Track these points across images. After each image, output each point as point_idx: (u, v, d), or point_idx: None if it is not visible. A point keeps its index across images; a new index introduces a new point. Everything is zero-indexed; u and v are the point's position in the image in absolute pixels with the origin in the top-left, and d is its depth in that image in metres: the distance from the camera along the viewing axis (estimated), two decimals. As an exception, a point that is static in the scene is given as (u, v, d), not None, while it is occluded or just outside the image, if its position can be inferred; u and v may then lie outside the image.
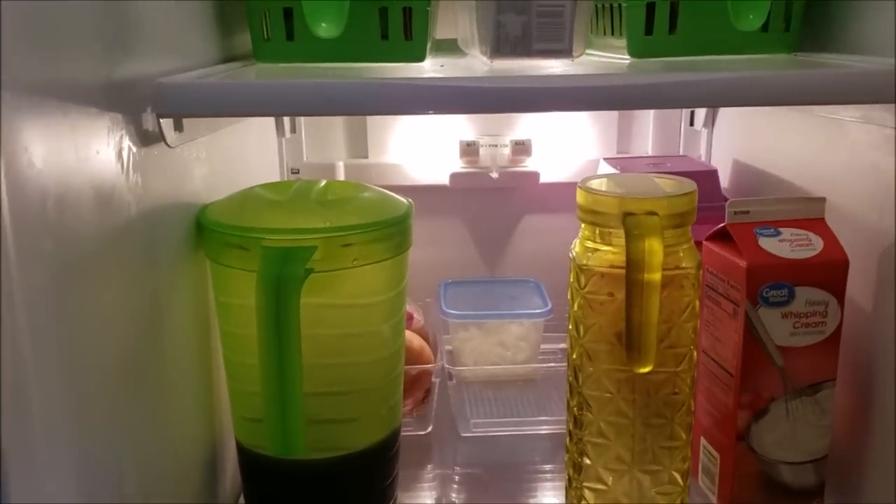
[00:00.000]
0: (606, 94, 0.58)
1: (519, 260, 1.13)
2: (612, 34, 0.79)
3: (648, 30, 0.74)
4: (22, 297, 0.37)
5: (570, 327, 0.68)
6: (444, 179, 1.08)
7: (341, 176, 1.08)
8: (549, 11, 0.71)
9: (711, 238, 0.72)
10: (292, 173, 1.08)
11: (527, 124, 1.09)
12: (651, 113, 1.10)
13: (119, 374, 0.50)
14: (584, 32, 0.72)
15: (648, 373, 0.64)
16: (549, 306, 0.98)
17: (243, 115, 0.65)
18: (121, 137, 0.50)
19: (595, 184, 0.67)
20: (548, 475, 0.83)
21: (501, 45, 0.72)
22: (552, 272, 1.08)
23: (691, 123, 1.08)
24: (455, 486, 0.81)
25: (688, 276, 0.64)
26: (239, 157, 0.83)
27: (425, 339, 0.95)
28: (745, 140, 0.97)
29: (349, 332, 0.65)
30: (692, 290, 0.64)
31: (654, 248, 0.60)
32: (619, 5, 0.76)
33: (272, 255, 0.58)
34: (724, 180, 0.98)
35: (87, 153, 0.45)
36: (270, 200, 0.65)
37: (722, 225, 0.70)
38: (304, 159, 1.08)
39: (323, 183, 0.68)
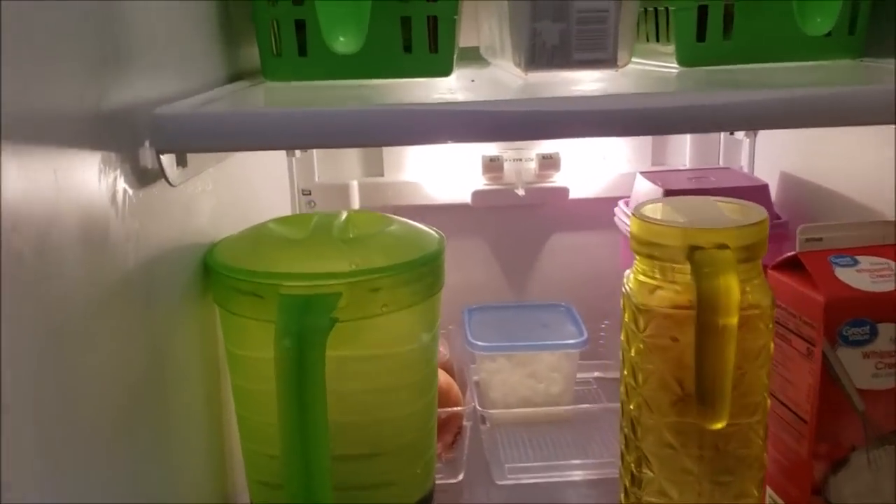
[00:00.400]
0: (673, 116, 0.50)
1: (548, 282, 1.06)
2: (658, 40, 0.72)
3: (700, 35, 0.67)
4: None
5: (626, 373, 0.61)
6: (465, 197, 1.01)
7: (356, 196, 1.01)
8: (591, 17, 0.63)
9: (779, 267, 0.64)
10: (303, 195, 1.00)
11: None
12: (688, 122, 1.03)
13: (116, 440, 0.42)
14: (630, 39, 0.64)
15: (717, 425, 0.56)
16: (585, 336, 0.91)
17: (255, 149, 0.58)
18: (114, 179, 0.42)
19: (651, 210, 0.59)
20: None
21: (537, 56, 0.64)
22: (584, 294, 1.01)
23: (731, 132, 1.00)
24: (491, 540, 0.74)
25: (762, 316, 0.56)
26: (247, 182, 0.75)
27: (450, 372, 0.88)
28: (795, 151, 0.90)
29: (379, 385, 0.57)
30: (766, 331, 0.57)
31: (729, 286, 0.52)
32: (666, 9, 0.69)
33: (292, 304, 0.51)
34: (772, 195, 0.90)
35: (74, 199, 0.38)
36: (287, 239, 0.58)
37: (792, 254, 0.62)
38: (316, 179, 1.01)
39: (344, 216, 0.60)
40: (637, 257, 0.59)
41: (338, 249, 0.56)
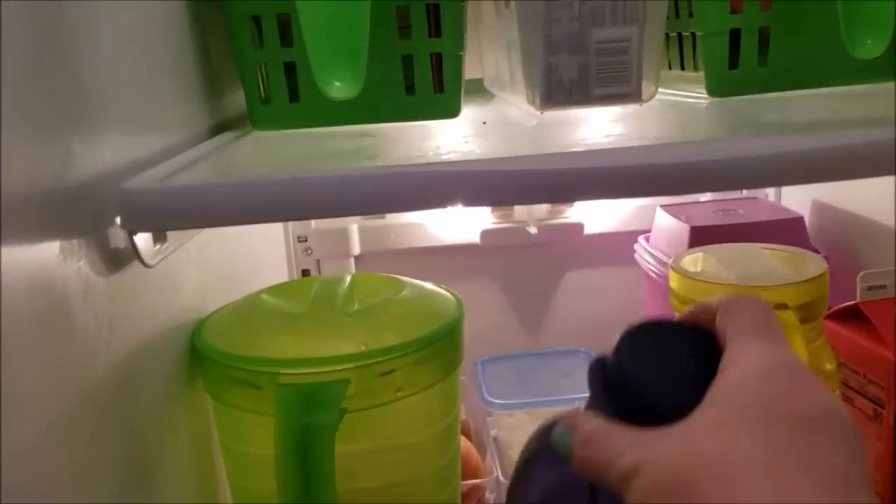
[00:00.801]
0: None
1: (565, 325, 0.99)
2: (682, 67, 0.66)
3: (733, 63, 0.60)
4: None
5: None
6: (473, 237, 0.94)
7: (356, 241, 0.94)
8: (612, 48, 0.57)
9: (835, 318, 0.57)
10: (299, 241, 0.93)
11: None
12: (708, 149, 0.96)
13: None
14: (656, 70, 0.58)
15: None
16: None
17: (244, 223, 0.51)
18: (77, 270, 0.35)
19: (691, 263, 0.53)
20: None
21: (554, 93, 0.58)
22: (604, 337, 0.93)
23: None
24: None
25: (828, 382, 0.50)
26: (237, 236, 0.68)
27: (465, 432, 0.81)
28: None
29: (393, 481, 0.50)
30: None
31: (796, 352, 0.45)
32: (693, 34, 0.63)
33: (292, 396, 0.44)
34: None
35: (23, 301, 0.31)
36: (284, 314, 0.51)
37: (852, 303, 0.56)
38: (312, 225, 0.94)
39: (347, 282, 0.54)
40: (677, 315, 0.52)
41: (343, 325, 0.49)
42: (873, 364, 0.53)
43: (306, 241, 0.94)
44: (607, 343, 0.93)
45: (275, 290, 0.55)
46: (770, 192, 0.92)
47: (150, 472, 0.43)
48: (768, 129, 0.51)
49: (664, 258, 0.78)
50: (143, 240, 0.41)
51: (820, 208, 0.83)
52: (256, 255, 0.78)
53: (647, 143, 0.47)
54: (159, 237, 0.43)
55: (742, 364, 0.30)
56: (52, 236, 0.34)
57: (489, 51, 0.73)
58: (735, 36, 0.59)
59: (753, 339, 0.31)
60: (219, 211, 0.38)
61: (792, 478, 0.25)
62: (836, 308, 0.57)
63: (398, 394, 0.47)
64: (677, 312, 0.53)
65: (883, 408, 0.53)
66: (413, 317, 0.51)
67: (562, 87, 0.58)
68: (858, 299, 0.55)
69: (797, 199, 0.87)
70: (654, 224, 0.85)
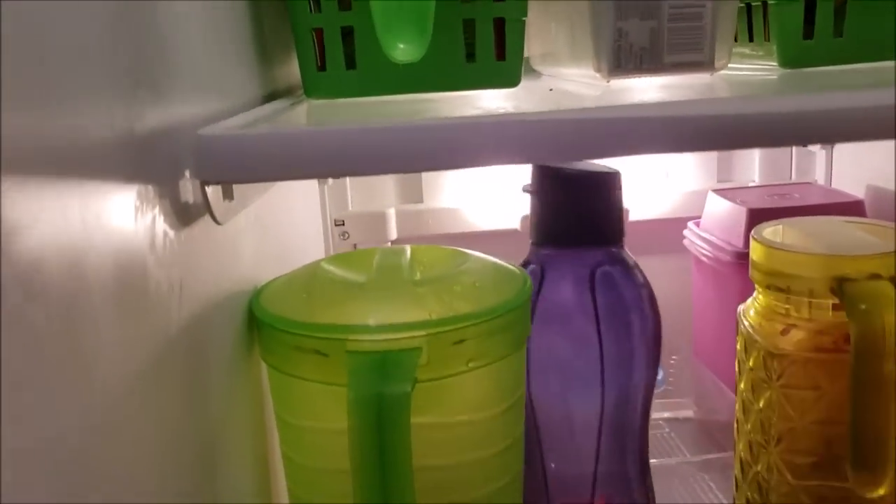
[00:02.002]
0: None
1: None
2: (751, 39, 0.63)
3: (808, 33, 0.58)
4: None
5: (749, 428, 0.51)
6: (513, 223, 0.91)
7: (392, 225, 0.92)
8: (686, 14, 0.55)
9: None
10: (336, 225, 0.91)
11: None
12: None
13: None
14: (729, 38, 0.56)
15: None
16: (661, 374, 0.81)
17: (327, 175, 0.49)
18: (152, 219, 0.33)
19: (772, 234, 0.50)
20: None
21: (623, 59, 0.56)
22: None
23: (805, 144, 0.91)
24: None
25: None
26: (285, 214, 0.66)
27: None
28: (882, 160, 0.80)
29: (461, 460, 0.48)
30: (924, 376, 0.48)
31: (891, 325, 0.43)
32: (764, 3, 0.60)
33: (365, 362, 0.41)
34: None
35: (104, 247, 0.29)
36: (349, 283, 0.48)
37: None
38: (349, 208, 0.92)
39: (409, 253, 0.51)
40: (760, 290, 0.50)
41: (411, 294, 0.47)
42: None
43: (343, 224, 0.91)
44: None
45: (334, 259, 0.53)
46: (820, 178, 0.90)
47: (216, 444, 0.41)
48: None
49: (719, 242, 0.76)
50: (213, 193, 0.39)
51: (876, 193, 0.80)
52: (301, 236, 0.76)
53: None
54: (227, 193, 0.41)
55: None
56: (131, 179, 0.31)
57: (541, 26, 0.70)
58: (809, 5, 0.57)
59: None
60: (299, 160, 0.36)
61: None
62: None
63: (469, 364, 0.44)
64: (761, 287, 0.50)
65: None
66: (482, 287, 0.49)
67: (631, 54, 0.56)
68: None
69: (849, 181, 0.85)
70: (705, 209, 0.82)
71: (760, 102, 0.40)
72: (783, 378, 0.48)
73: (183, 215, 0.37)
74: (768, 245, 0.48)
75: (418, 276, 0.49)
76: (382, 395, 0.40)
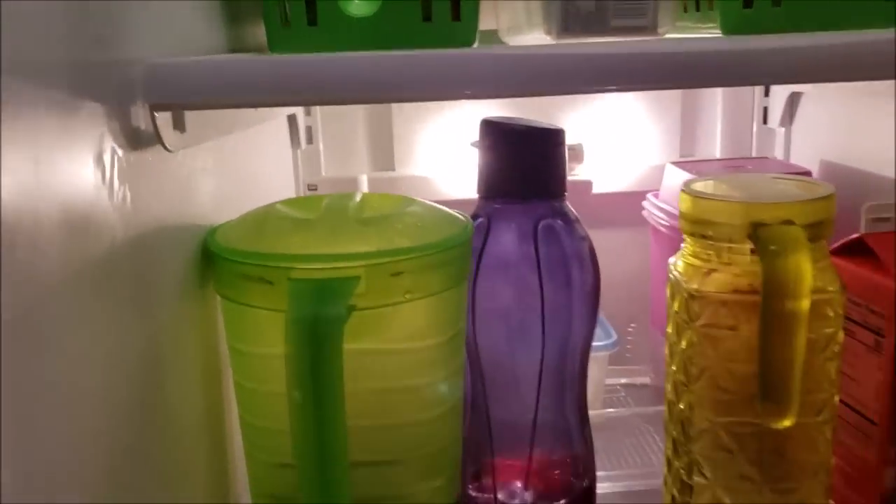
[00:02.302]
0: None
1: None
2: (697, 9, 0.66)
3: (747, 2, 0.61)
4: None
5: (674, 369, 0.55)
6: (481, 193, 0.94)
7: (364, 191, 0.95)
8: (630, -19, 0.58)
9: (839, 252, 0.58)
10: (309, 190, 0.94)
11: (576, 126, 0.95)
12: (718, 111, 0.97)
13: (103, 452, 0.36)
14: (672, 5, 0.59)
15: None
16: (614, 338, 0.85)
17: (268, 104, 0.52)
18: (101, 136, 0.36)
19: (702, 186, 0.53)
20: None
21: (571, 23, 0.59)
22: (608, 296, 0.94)
23: (764, 121, 0.95)
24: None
25: (829, 302, 0.51)
26: (250, 170, 0.69)
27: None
28: (836, 137, 0.84)
29: (400, 385, 0.51)
30: (835, 319, 0.51)
31: (799, 267, 0.46)
32: (708, -26, 0.63)
33: (304, 289, 0.44)
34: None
35: (52, 159, 0.32)
36: (297, 220, 0.52)
37: (856, 236, 0.56)
38: (323, 173, 0.95)
39: (359, 197, 0.54)
40: (687, 239, 0.53)
41: (354, 231, 0.50)
42: (875, 294, 0.54)
43: (316, 189, 0.94)
44: (610, 300, 0.94)
45: (288, 202, 0.56)
46: (780, 154, 0.93)
47: (162, 369, 0.44)
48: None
49: (675, 212, 0.79)
50: (163, 120, 0.42)
51: (828, 167, 0.84)
52: (273, 198, 0.79)
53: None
54: (178, 124, 0.44)
55: None
56: (81, 98, 0.34)
57: (506, 3, 0.73)
58: (750, -25, 0.60)
59: None
60: (241, 87, 0.39)
61: None
62: (840, 242, 0.58)
63: (406, 296, 0.47)
64: (688, 236, 0.53)
65: (883, 337, 0.54)
66: (424, 227, 0.52)
67: (579, 19, 0.59)
68: (862, 231, 0.56)
69: (806, 157, 0.88)
70: (663, 181, 0.85)
71: (709, 42, 0.46)
72: (702, 319, 0.51)
73: (133, 139, 0.40)
74: (694, 195, 0.51)
75: (365, 215, 0.52)
76: (318, 317, 0.43)
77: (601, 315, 0.91)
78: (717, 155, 0.98)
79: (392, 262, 0.47)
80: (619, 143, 0.97)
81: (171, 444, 0.46)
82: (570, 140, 0.94)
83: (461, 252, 0.51)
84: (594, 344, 0.84)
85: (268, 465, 0.52)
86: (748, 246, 0.49)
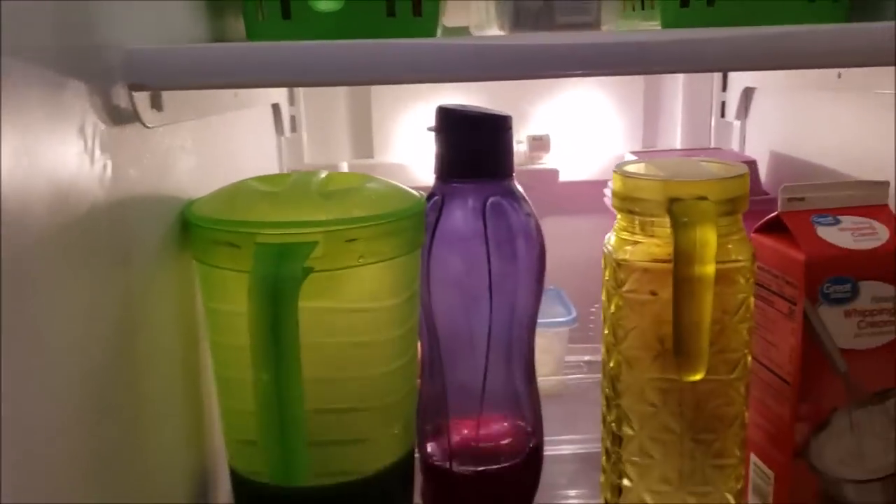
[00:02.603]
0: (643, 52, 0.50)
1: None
2: (643, 8, 0.72)
3: (684, 2, 0.67)
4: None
5: (606, 332, 0.60)
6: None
7: (345, 178, 1.01)
8: (574, -19, 0.64)
9: (761, 230, 0.64)
10: (292, 175, 1.00)
11: (544, 118, 1.01)
12: (679, 105, 1.03)
13: (84, 401, 0.42)
14: (615, 4, 0.65)
15: (698, 382, 0.56)
16: (574, 314, 0.90)
17: (236, 86, 0.58)
18: (84, 112, 0.42)
19: (633, 168, 0.59)
20: (574, 500, 0.75)
21: (521, 19, 0.65)
22: (574, 281, 1.00)
23: (722, 115, 1.00)
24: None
25: (741, 270, 0.56)
26: (231, 153, 0.75)
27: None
28: (784, 129, 0.89)
29: (355, 340, 0.57)
30: (746, 285, 0.57)
31: (706, 237, 0.52)
32: (650, -25, 0.69)
33: (267, 252, 0.50)
34: (762, 175, 0.90)
35: (39, 130, 0.37)
36: (264, 192, 0.57)
37: (774, 214, 0.62)
38: (305, 160, 1.01)
39: (324, 174, 0.60)
40: (618, 215, 0.59)
41: (315, 202, 0.55)
42: (788, 266, 0.60)
43: (299, 175, 1.00)
44: (574, 284, 0.99)
45: (258, 178, 0.61)
46: (735, 146, 0.98)
47: (139, 328, 0.50)
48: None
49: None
50: (142, 100, 0.48)
51: (776, 157, 0.89)
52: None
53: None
54: (156, 103, 0.50)
55: None
56: (65, 76, 0.40)
57: (475, 4, 0.79)
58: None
59: None
60: (214, 70, 0.45)
61: None
62: (762, 221, 0.64)
63: (360, 260, 0.53)
64: (618, 213, 0.59)
65: (795, 305, 0.59)
66: (379, 200, 0.58)
67: (529, 15, 0.65)
68: (780, 210, 0.61)
69: (759, 148, 0.93)
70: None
71: (654, 34, 0.52)
72: (627, 285, 0.57)
73: (114, 115, 0.46)
74: (623, 175, 0.57)
75: (326, 190, 0.58)
76: (278, 276, 0.49)
77: (562, 293, 0.97)
78: (678, 146, 1.03)
79: (347, 230, 0.53)
80: (586, 134, 1.02)
81: (149, 392, 0.51)
82: (537, 131, 1.01)
83: (412, 223, 0.57)
84: (555, 320, 0.90)
85: (237, 412, 0.58)
86: (667, 220, 0.54)
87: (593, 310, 1.01)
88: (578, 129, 1.02)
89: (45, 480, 0.37)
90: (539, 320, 0.89)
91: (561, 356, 0.91)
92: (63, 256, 0.40)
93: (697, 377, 0.54)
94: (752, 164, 0.84)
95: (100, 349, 0.44)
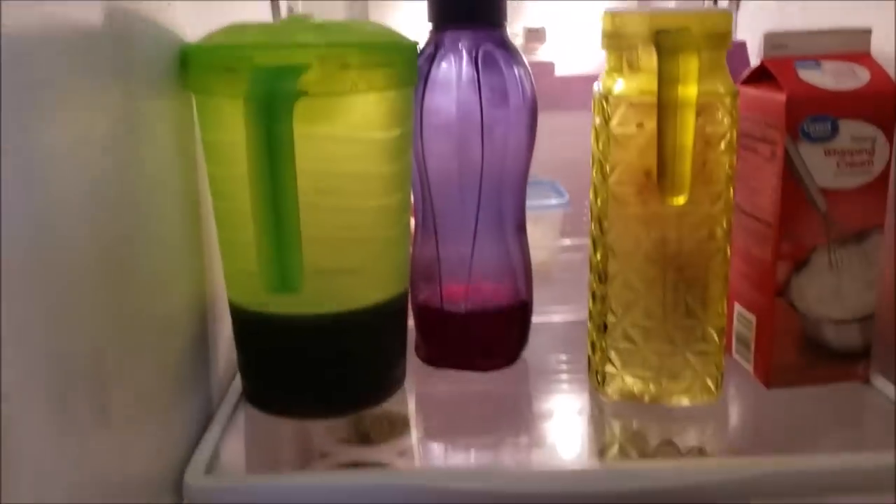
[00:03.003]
0: None
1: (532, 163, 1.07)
2: None
3: None
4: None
5: (594, 173, 0.62)
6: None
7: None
8: None
9: (747, 81, 0.65)
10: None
11: (540, 8, 1.02)
12: (675, -5, 1.04)
13: (84, 222, 0.43)
14: None
15: (681, 215, 0.58)
16: (566, 197, 0.92)
17: None
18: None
19: (621, 7, 0.61)
20: (564, 365, 0.77)
21: None
22: (570, 176, 1.01)
23: (715, 2, 1.01)
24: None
25: (723, 103, 0.58)
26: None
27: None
28: (778, 16, 0.91)
29: (348, 170, 0.58)
30: (728, 119, 0.58)
31: (688, 63, 0.54)
32: None
33: (262, 74, 0.52)
34: (754, 59, 0.91)
35: None
36: (262, 25, 0.59)
37: (758, 63, 0.64)
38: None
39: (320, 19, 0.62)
40: (607, 55, 0.61)
41: (311, 30, 0.57)
42: (771, 109, 0.61)
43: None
44: (570, 179, 1.00)
45: (255, 22, 0.63)
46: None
47: (142, 153, 0.51)
48: None
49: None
50: None
51: (770, 37, 0.90)
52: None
53: None
54: None
55: None
56: None
57: None
58: None
59: None
60: None
61: None
62: (746, 72, 0.65)
63: (353, 87, 0.55)
64: (605, 50, 0.61)
65: (777, 146, 0.61)
66: (374, 33, 0.60)
67: None
68: (763, 57, 0.63)
69: (751, 38, 0.94)
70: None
71: None
72: (614, 119, 0.59)
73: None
74: (612, 14, 0.59)
75: (323, 23, 0.59)
76: (273, 92, 0.51)
77: (557, 183, 0.99)
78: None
79: (340, 55, 0.54)
80: (582, 27, 1.03)
81: (150, 222, 0.53)
82: (534, 24, 1.02)
83: (404, 58, 0.59)
84: (549, 202, 0.92)
85: (236, 242, 0.60)
86: (654, 53, 0.56)
87: (587, 203, 1.02)
88: (575, 22, 1.03)
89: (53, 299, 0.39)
90: (533, 203, 0.91)
91: (556, 239, 0.93)
92: (70, 69, 0.41)
93: (681, 200, 0.56)
94: (741, 47, 0.85)
95: (101, 167, 0.45)
